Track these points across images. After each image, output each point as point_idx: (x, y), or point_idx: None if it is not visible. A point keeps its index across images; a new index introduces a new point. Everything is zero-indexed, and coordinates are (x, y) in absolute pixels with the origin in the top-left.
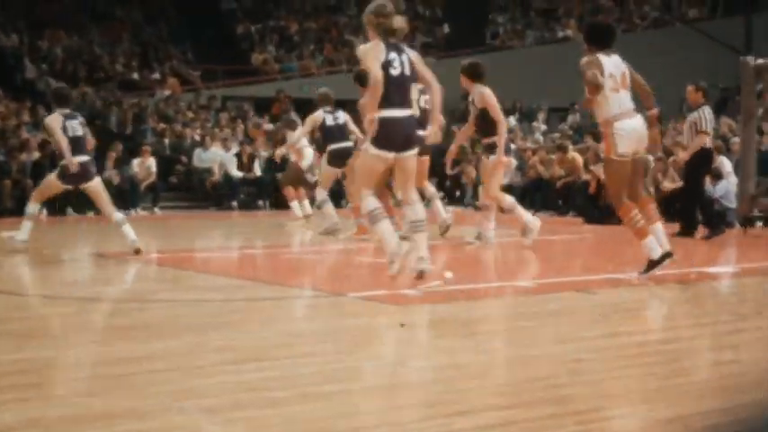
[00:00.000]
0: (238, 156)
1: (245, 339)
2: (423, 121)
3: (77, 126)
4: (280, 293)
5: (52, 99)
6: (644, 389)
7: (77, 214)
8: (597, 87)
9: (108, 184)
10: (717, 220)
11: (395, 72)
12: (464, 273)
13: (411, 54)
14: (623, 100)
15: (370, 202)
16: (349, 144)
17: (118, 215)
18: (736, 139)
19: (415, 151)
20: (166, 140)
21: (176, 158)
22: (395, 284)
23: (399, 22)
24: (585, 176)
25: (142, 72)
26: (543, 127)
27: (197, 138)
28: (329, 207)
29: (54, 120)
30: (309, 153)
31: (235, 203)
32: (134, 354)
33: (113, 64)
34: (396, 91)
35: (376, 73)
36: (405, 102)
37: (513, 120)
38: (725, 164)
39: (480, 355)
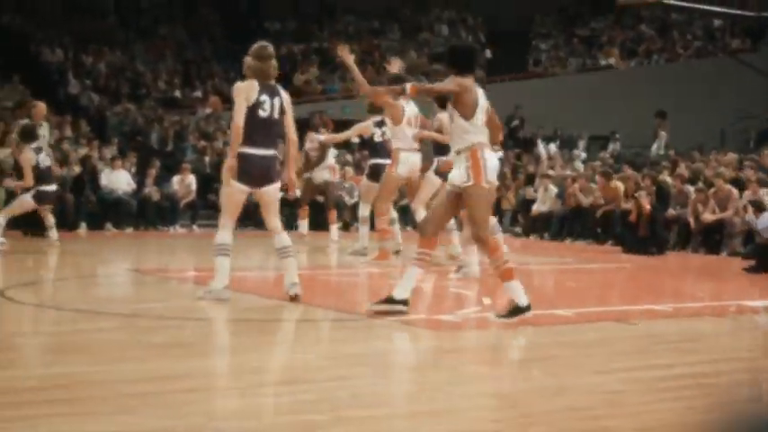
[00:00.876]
0: None
1: (282, 361)
2: (382, 150)
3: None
4: (316, 315)
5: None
6: (682, 422)
7: (116, 230)
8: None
9: (147, 200)
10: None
11: (263, 113)
12: (503, 299)
13: (284, 97)
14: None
15: (224, 236)
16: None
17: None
18: None
19: (273, 186)
20: (207, 158)
21: (216, 176)
22: (432, 309)
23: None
24: (625, 205)
25: (184, 90)
26: (583, 155)
27: None
28: (365, 229)
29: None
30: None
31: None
32: (171, 372)
33: (156, 81)
34: (260, 131)
35: (239, 115)
36: (267, 142)
37: (553, 147)
38: (766, 198)
39: (517, 383)
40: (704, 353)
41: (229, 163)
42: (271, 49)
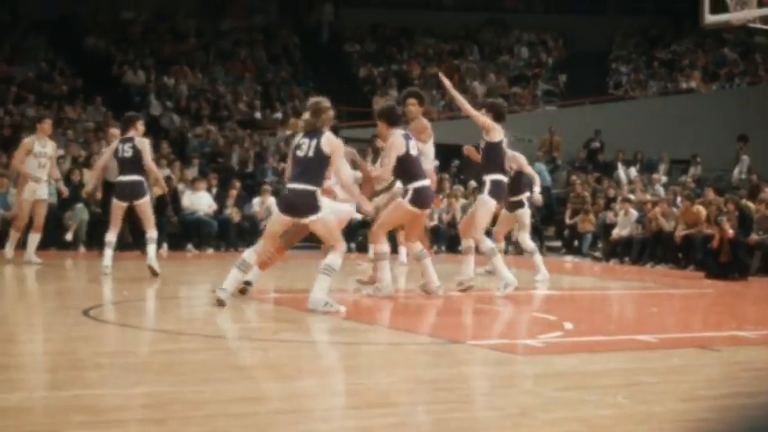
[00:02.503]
0: None
1: (367, 384)
2: None
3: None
4: (400, 338)
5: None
6: None
7: (197, 251)
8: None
9: (228, 221)
10: None
11: (300, 153)
12: (584, 324)
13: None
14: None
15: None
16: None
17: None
18: None
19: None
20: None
21: None
22: (515, 334)
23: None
24: (707, 230)
25: (264, 111)
26: (664, 179)
27: None
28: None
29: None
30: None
31: (353, 245)
32: (256, 393)
33: (236, 103)
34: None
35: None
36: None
37: (633, 171)
38: None
39: (602, 410)
40: None
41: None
42: (324, 103)
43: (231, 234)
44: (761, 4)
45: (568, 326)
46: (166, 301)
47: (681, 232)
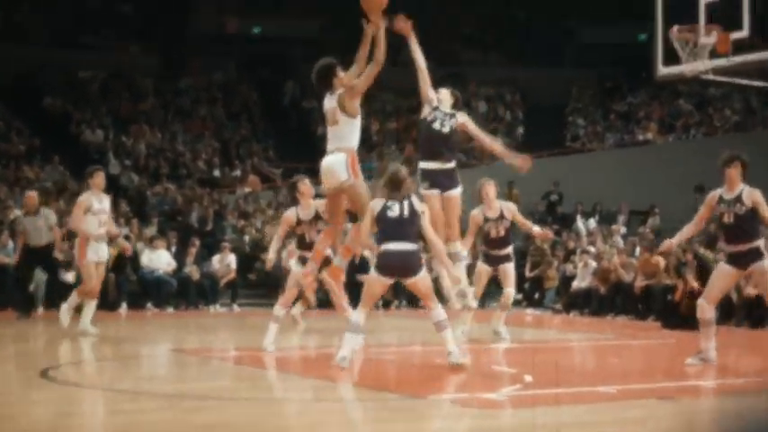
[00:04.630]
0: None
1: None
2: None
3: None
4: (360, 395)
5: None
6: None
7: (157, 309)
8: None
9: (187, 280)
10: None
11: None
12: (544, 377)
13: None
14: None
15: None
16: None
17: None
18: None
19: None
20: (246, 237)
21: (256, 255)
22: (476, 388)
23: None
24: (666, 281)
25: (223, 169)
26: (623, 230)
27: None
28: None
29: None
30: None
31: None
32: None
33: (195, 161)
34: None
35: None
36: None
37: (592, 222)
38: None
39: None
40: None
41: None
42: (402, 173)
43: (191, 292)
44: (713, 56)
45: (528, 378)
46: (126, 361)
47: (640, 283)
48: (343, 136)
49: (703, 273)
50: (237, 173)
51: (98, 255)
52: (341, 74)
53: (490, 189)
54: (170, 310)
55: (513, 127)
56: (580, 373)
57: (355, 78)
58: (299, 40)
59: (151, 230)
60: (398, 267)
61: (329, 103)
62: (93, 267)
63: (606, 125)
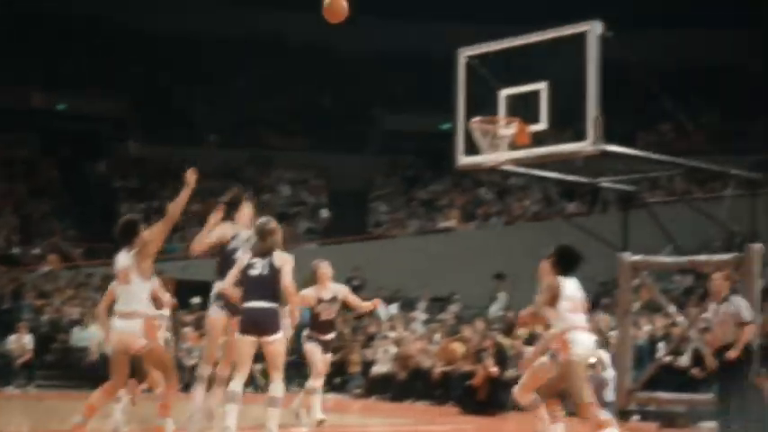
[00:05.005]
0: None
1: None
2: None
3: None
4: None
5: None
6: None
7: None
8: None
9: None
10: None
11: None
12: None
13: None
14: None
15: None
16: None
17: None
18: (613, 333)
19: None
20: (44, 317)
21: (54, 336)
22: None
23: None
24: (465, 367)
25: (23, 246)
26: (423, 316)
27: (75, 316)
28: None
29: None
30: None
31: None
32: None
33: None
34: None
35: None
36: None
37: (393, 308)
38: (603, 357)
39: None
40: None
41: None
42: (271, 224)
43: None
44: (512, 147)
45: None
46: None
47: (439, 369)
48: (141, 299)
49: (500, 359)
50: (37, 251)
51: None
52: (143, 231)
53: (327, 270)
54: None
55: (316, 211)
56: None
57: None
58: (104, 118)
59: None
60: (256, 325)
61: (123, 261)
62: None
63: (408, 212)
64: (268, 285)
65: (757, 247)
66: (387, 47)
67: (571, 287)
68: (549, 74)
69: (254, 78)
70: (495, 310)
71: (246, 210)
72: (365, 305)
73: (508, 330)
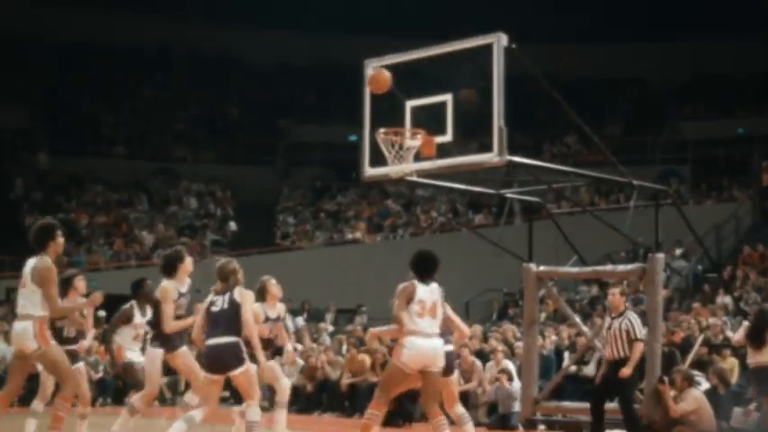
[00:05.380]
0: None
1: None
2: None
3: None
4: None
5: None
6: None
7: None
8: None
9: None
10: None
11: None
12: None
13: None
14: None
15: None
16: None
17: None
18: (520, 344)
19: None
20: None
21: None
22: None
23: None
24: (372, 378)
25: None
26: (331, 328)
27: None
28: None
29: None
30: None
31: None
32: None
33: None
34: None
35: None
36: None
37: (300, 320)
38: (510, 368)
39: None
40: None
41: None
42: (232, 265)
43: None
44: (418, 159)
45: None
46: None
47: (347, 380)
48: (35, 302)
49: None
50: None
51: None
52: (58, 239)
53: (276, 288)
54: None
55: (223, 223)
56: None
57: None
58: (9, 129)
59: None
60: (218, 362)
61: (29, 264)
62: None
63: (316, 224)
64: (231, 320)
65: (660, 257)
66: (293, 58)
67: (423, 291)
68: (454, 85)
69: (162, 89)
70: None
71: (188, 263)
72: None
73: None
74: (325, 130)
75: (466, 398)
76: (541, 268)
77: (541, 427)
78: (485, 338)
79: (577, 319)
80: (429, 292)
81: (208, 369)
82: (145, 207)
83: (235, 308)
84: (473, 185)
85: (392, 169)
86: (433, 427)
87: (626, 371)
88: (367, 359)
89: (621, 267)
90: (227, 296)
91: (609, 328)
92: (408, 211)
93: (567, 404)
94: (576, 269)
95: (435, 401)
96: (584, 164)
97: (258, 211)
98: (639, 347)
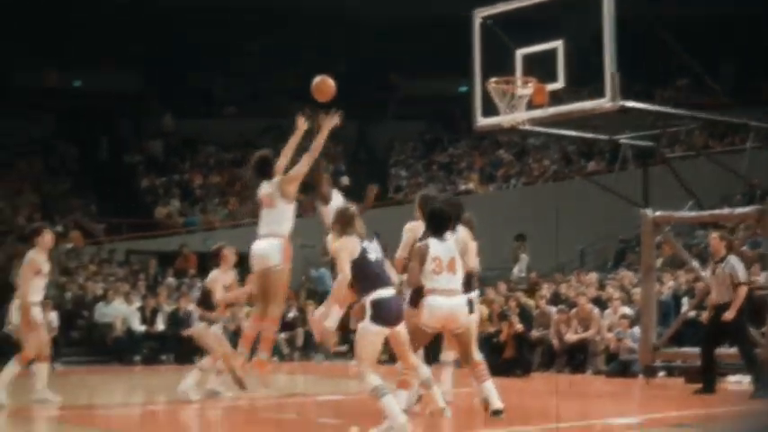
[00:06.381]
0: (141, 310)
1: None
2: None
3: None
4: None
5: None
6: None
7: None
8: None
9: (7, 337)
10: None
11: (372, 257)
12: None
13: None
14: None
15: (374, 378)
16: None
17: None
18: (637, 291)
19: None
20: (68, 294)
21: (78, 312)
22: None
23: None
24: (489, 329)
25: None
26: None
27: (99, 291)
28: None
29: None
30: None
31: (137, 358)
32: None
33: (15, 216)
34: (381, 272)
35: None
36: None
37: None
38: (628, 314)
39: None
40: None
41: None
42: (351, 210)
43: (10, 351)
44: (530, 107)
45: (354, 430)
46: None
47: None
48: (280, 221)
49: (524, 319)
50: (59, 228)
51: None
52: (277, 163)
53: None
54: None
55: (336, 178)
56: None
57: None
58: (118, 95)
59: None
60: (400, 315)
61: (266, 188)
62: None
63: (428, 176)
64: (386, 270)
65: None
66: (401, 11)
67: (438, 248)
68: (565, 32)
69: (270, 48)
70: (517, 271)
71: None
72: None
73: (531, 291)
74: (435, 82)
75: (584, 346)
76: (658, 213)
77: (661, 373)
78: (601, 286)
79: (695, 263)
80: (445, 248)
81: (389, 323)
82: None
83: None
84: (585, 132)
85: (504, 119)
86: (475, 376)
87: (728, 315)
88: (484, 310)
89: (738, 210)
90: (374, 244)
91: (713, 272)
92: (520, 161)
93: (687, 350)
94: (692, 213)
95: (471, 353)
96: (698, 106)
97: (371, 166)
98: (743, 291)
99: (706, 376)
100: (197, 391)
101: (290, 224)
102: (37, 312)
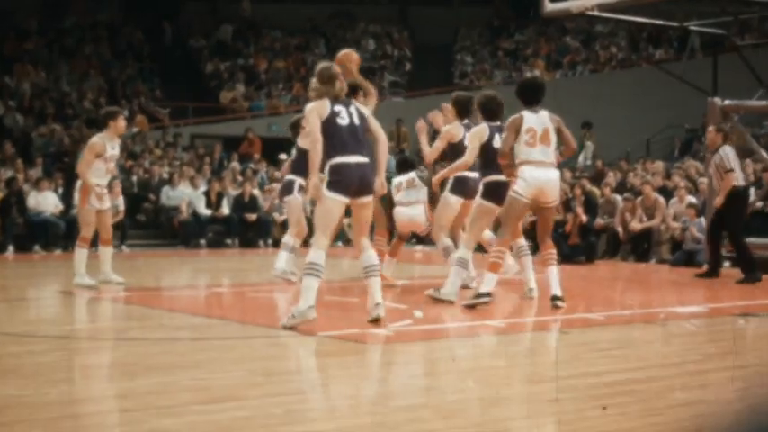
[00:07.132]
0: (206, 194)
1: (215, 379)
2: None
3: None
4: (248, 332)
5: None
6: (616, 429)
7: (44, 251)
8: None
9: (74, 220)
10: (753, 264)
11: (343, 122)
12: (433, 312)
13: (359, 106)
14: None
15: (318, 255)
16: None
17: None
18: (703, 180)
19: (369, 198)
20: (134, 178)
21: (144, 196)
22: (365, 324)
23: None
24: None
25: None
26: None
27: (165, 176)
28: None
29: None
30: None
31: (203, 242)
32: (103, 393)
33: (81, 101)
34: (347, 139)
35: (315, 131)
36: (358, 149)
37: None
38: (694, 204)
39: (452, 395)
40: (636, 360)
41: (312, 181)
42: (334, 69)
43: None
44: None
45: (418, 314)
46: (13, 303)
47: (530, 219)
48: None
49: (589, 207)
50: (125, 113)
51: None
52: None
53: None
54: (57, 252)
55: (401, 65)
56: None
57: None
58: None
59: (36, 172)
60: (367, 183)
61: (543, 122)
62: (94, 214)
63: (494, 63)
64: (360, 136)
65: None
66: None
67: (532, 120)
68: None
69: None
70: (582, 158)
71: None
72: None
73: (597, 179)
74: None
75: (649, 235)
76: (726, 102)
77: (726, 263)
78: (667, 175)
79: (764, 153)
80: (539, 121)
81: (350, 192)
82: (322, 51)
83: (364, 124)
84: (654, 19)
85: (573, 4)
86: (542, 259)
87: (717, 201)
88: None
89: None
90: (352, 109)
91: (708, 163)
92: (587, 47)
93: (754, 240)
94: (762, 102)
95: (548, 234)
96: None
97: (436, 52)
98: (729, 178)
99: (710, 261)
100: (294, 269)
101: None
102: (96, 195)
